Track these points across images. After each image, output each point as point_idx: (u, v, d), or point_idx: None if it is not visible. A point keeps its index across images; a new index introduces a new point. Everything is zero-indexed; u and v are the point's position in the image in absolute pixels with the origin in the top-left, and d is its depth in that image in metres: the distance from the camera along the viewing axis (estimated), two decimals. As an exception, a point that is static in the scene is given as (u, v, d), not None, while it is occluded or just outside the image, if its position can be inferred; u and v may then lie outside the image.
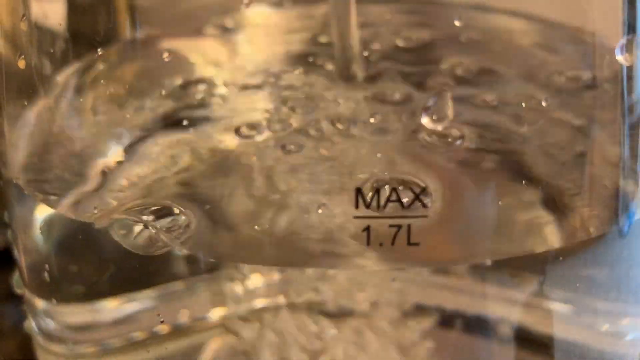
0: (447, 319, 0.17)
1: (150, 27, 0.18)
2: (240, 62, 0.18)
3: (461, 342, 0.17)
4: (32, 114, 0.18)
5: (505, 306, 0.17)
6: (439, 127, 0.15)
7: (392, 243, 0.15)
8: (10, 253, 0.31)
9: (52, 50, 0.17)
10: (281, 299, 0.17)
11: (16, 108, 0.18)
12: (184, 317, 0.17)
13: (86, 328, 0.19)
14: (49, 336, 0.20)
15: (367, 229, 0.15)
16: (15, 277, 0.23)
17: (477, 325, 0.17)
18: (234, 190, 0.16)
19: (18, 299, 0.30)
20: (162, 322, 0.17)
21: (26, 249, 0.19)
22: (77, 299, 0.19)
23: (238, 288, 0.17)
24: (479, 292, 0.17)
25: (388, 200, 0.15)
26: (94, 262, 0.18)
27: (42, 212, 0.18)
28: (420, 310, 0.17)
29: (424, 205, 0.15)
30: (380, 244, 0.15)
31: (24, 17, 0.17)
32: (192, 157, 0.17)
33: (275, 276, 0.17)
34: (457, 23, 0.15)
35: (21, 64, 0.17)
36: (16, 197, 0.19)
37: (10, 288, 0.30)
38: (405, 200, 0.15)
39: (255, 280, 0.17)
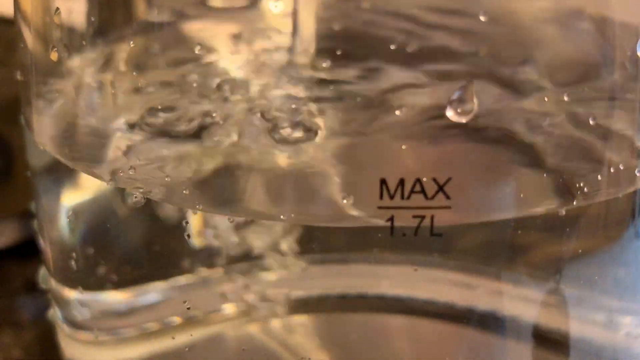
0: (462, 315, 0.17)
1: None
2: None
3: (476, 339, 0.18)
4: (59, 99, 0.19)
5: (521, 304, 0.17)
6: (464, 120, 0.15)
7: (415, 233, 0.16)
8: (27, 246, 0.31)
9: (81, 42, 0.18)
10: (310, 291, 0.18)
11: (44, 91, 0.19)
12: (210, 306, 0.18)
13: (113, 315, 0.19)
14: (74, 324, 0.20)
15: (391, 219, 0.15)
16: (41, 273, 0.23)
17: (492, 323, 0.17)
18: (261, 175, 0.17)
19: (36, 291, 0.30)
20: (188, 308, 0.18)
21: (53, 238, 0.20)
22: (105, 287, 0.19)
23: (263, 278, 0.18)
24: (495, 289, 0.17)
25: (412, 191, 0.15)
26: (123, 248, 0.18)
27: (71, 199, 0.19)
28: (433, 305, 0.17)
29: (447, 197, 0.15)
30: (404, 234, 0.16)
31: (58, 11, 0.17)
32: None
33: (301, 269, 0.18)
34: (482, 18, 0.15)
35: (53, 56, 0.17)
36: (46, 181, 0.19)
37: (28, 280, 0.31)
38: (428, 191, 0.15)
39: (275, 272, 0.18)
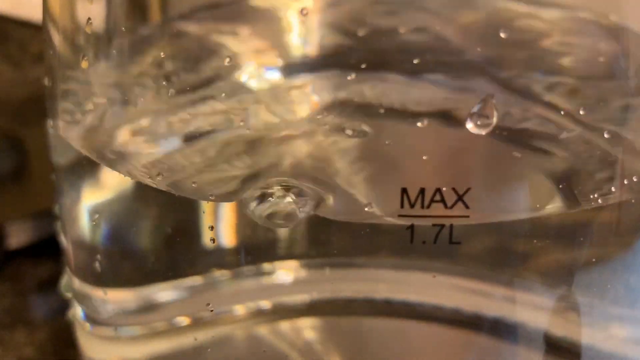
0: (475, 322, 0.18)
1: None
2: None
3: (487, 345, 0.18)
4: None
5: (534, 311, 0.18)
6: (483, 132, 0.15)
7: (435, 241, 0.16)
8: (41, 246, 0.31)
9: (109, 50, 0.18)
10: (323, 295, 0.18)
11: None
12: (233, 305, 0.18)
13: (134, 312, 0.19)
14: (95, 321, 0.20)
15: (411, 227, 0.16)
16: (64, 282, 0.24)
17: (504, 330, 0.18)
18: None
19: (48, 291, 0.31)
20: (211, 311, 0.18)
21: (76, 235, 0.20)
22: (126, 284, 0.19)
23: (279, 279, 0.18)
24: (509, 296, 0.18)
25: (432, 200, 0.16)
26: (144, 246, 0.19)
27: (95, 197, 0.19)
28: (440, 310, 0.17)
29: (467, 206, 0.16)
30: (423, 242, 0.16)
31: (90, 21, 0.17)
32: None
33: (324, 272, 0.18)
34: (503, 35, 0.16)
35: (84, 64, 0.18)
36: (71, 178, 0.20)
37: (41, 280, 0.31)
38: (448, 200, 0.16)
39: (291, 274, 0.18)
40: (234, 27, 0.18)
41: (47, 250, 0.32)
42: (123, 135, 0.18)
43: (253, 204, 0.17)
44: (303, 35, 0.18)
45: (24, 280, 0.31)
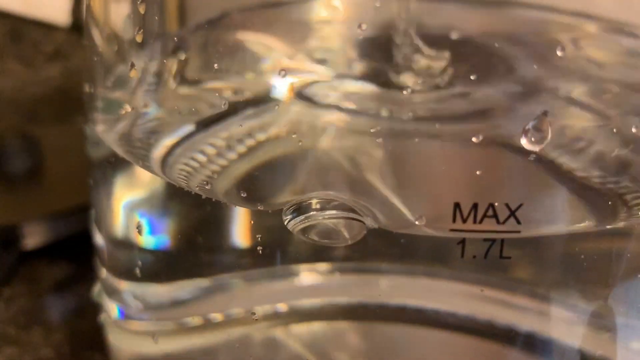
0: (514, 336, 0.18)
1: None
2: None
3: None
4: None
5: (567, 327, 0.18)
6: (537, 149, 0.16)
7: (485, 256, 0.16)
8: (56, 247, 0.31)
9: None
10: (354, 300, 0.18)
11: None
12: (265, 304, 0.18)
13: (169, 306, 0.19)
14: (127, 315, 0.20)
15: (462, 242, 0.16)
16: (96, 290, 0.24)
17: (539, 345, 0.18)
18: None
19: (64, 292, 0.31)
20: (254, 317, 0.18)
21: (109, 230, 0.20)
22: (157, 279, 0.19)
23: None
24: (544, 311, 0.18)
25: (485, 215, 0.16)
26: (175, 242, 0.19)
27: (128, 193, 0.19)
28: (475, 322, 0.18)
29: (518, 222, 0.16)
30: (474, 257, 0.16)
31: (140, 30, 0.17)
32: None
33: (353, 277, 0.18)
34: (560, 54, 0.16)
35: (133, 73, 0.18)
36: (105, 174, 0.20)
37: (57, 281, 0.31)
38: (501, 216, 0.16)
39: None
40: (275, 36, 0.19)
41: (62, 251, 0.32)
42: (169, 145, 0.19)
43: (289, 217, 0.17)
44: (348, 47, 0.18)
45: (40, 281, 0.31)
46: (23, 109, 0.37)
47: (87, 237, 0.33)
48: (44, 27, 0.44)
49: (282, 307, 0.18)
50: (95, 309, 0.29)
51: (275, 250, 0.18)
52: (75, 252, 0.32)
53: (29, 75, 0.40)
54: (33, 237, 0.32)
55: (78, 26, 0.42)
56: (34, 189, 0.34)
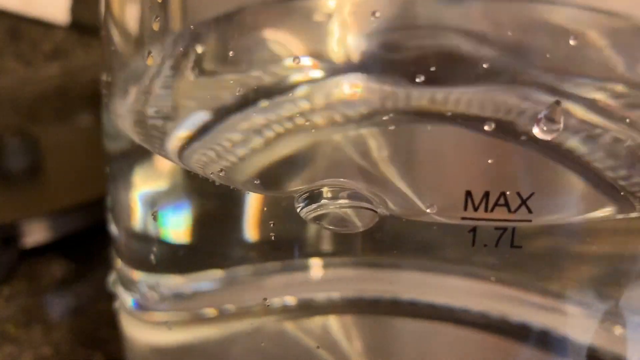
0: (518, 332, 0.18)
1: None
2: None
3: (531, 356, 0.18)
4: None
5: (580, 323, 0.18)
6: (549, 138, 0.16)
7: (496, 245, 0.16)
8: (56, 245, 0.31)
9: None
10: (364, 293, 0.18)
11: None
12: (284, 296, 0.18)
13: (184, 297, 0.19)
14: (143, 307, 0.20)
15: (474, 230, 0.16)
16: (112, 279, 0.24)
17: (552, 342, 0.18)
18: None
19: (64, 290, 0.31)
20: (267, 304, 0.18)
21: (125, 221, 0.20)
22: (171, 270, 0.19)
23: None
24: (557, 308, 0.18)
25: (496, 204, 0.16)
26: (191, 234, 0.19)
27: (145, 184, 0.19)
28: (486, 318, 0.18)
29: (530, 211, 0.16)
30: (485, 245, 0.16)
31: (157, 19, 0.17)
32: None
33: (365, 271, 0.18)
34: (572, 42, 0.16)
35: (150, 61, 0.18)
36: (122, 165, 0.20)
37: (56, 279, 0.31)
38: (512, 204, 0.16)
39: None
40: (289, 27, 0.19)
41: (62, 249, 0.32)
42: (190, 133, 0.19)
43: (301, 204, 0.17)
44: (365, 37, 0.18)
45: (39, 279, 0.31)
46: (22, 107, 0.37)
47: (86, 235, 0.33)
48: (43, 26, 0.44)
49: (295, 299, 0.18)
50: (95, 307, 0.29)
51: (289, 243, 0.17)
52: (75, 250, 0.32)
53: (28, 74, 0.40)
54: (32, 236, 0.32)
55: (77, 25, 0.42)
56: (33, 187, 0.34)
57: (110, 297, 0.24)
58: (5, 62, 0.42)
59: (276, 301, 0.18)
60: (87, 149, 0.36)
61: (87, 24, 0.41)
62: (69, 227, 0.32)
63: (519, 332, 0.18)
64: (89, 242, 0.33)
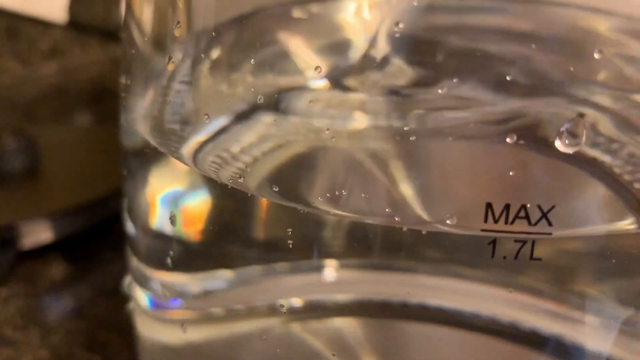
0: (536, 342, 0.18)
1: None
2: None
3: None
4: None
5: (595, 332, 0.18)
6: (571, 151, 0.16)
7: (515, 257, 0.16)
8: (54, 247, 0.31)
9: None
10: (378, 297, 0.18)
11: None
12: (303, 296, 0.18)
13: (199, 296, 0.19)
14: (157, 305, 0.20)
15: (493, 242, 0.16)
16: (127, 281, 0.24)
17: (564, 350, 0.18)
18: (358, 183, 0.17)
19: (62, 292, 0.30)
20: (283, 310, 0.18)
21: (142, 220, 0.20)
22: (187, 268, 0.19)
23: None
24: (571, 315, 0.18)
25: (516, 216, 0.16)
26: (206, 233, 0.19)
27: (164, 186, 0.19)
28: (499, 324, 0.18)
29: (550, 224, 0.16)
30: (504, 257, 0.16)
31: (178, 24, 0.17)
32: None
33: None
34: (596, 56, 0.16)
35: (170, 67, 0.18)
36: (138, 165, 0.20)
37: (54, 281, 0.31)
38: (532, 217, 0.16)
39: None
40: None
41: (60, 251, 0.32)
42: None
43: None
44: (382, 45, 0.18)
45: (37, 281, 0.31)
46: (20, 107, 0.37)
47: (85, 237, 0.32)
48: (40, 24, 0.44)
49: (307, 301, 0.18)
50: (93, 309, 0.29)
51: (304, 245, 0.17)
52: (73, 252, 0.32)
53: (26, 73, 0.40)
54: (30, 237, 0.31)
55: (75, 23, 0.41)
56: (31, 188, 0.34)
57: (109, 299, 0.24)
58: (3, 60, 0.41)
59: (288, 303, 0.18)
60: (86, 150, 0.35)
61: (84, 22, 0.41)
62: (67, 228, 0.32)
63: (531, 339, 0.18)
64: (88, 244, 0.32)
